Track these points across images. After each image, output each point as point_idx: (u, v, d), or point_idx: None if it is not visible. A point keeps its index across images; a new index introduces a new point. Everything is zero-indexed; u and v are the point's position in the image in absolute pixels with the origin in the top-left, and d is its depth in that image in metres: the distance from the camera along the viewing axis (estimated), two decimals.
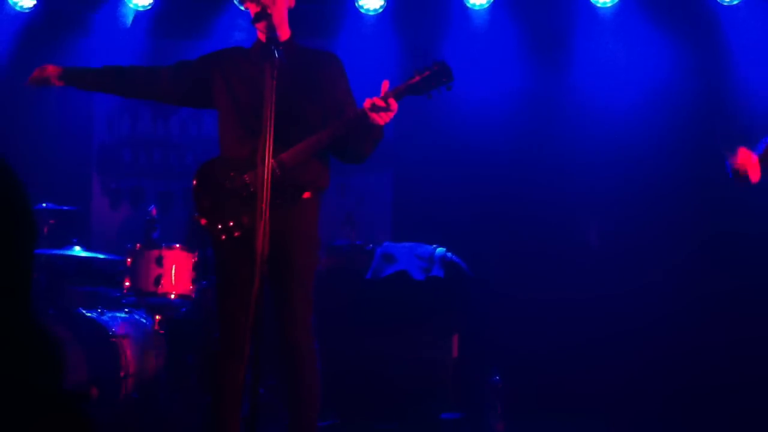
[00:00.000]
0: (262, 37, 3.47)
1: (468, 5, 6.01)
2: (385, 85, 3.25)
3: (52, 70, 3.65)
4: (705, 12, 5.86)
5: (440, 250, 5.28)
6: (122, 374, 4.77)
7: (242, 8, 3.52)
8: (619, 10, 5.94)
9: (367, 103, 3.21)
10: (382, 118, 3.22)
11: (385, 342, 5.04)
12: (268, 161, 2.93)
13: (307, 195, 3.43)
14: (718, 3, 5.81)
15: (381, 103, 3.18)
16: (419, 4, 6.14)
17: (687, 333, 5.52)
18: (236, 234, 3.35)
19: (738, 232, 5.46)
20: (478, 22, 6.08)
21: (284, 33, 3.49)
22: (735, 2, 5.77)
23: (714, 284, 5.51)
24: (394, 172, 6.38)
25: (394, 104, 3.21)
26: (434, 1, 6.09)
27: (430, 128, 6.03)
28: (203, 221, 3.42)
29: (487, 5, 6.00)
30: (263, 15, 3.29)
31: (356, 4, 6.08)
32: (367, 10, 6.10)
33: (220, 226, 3.38)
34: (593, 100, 5.97)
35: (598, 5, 5.93)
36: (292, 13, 3.56)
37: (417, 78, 3.25)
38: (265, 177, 2.92)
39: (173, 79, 3.62)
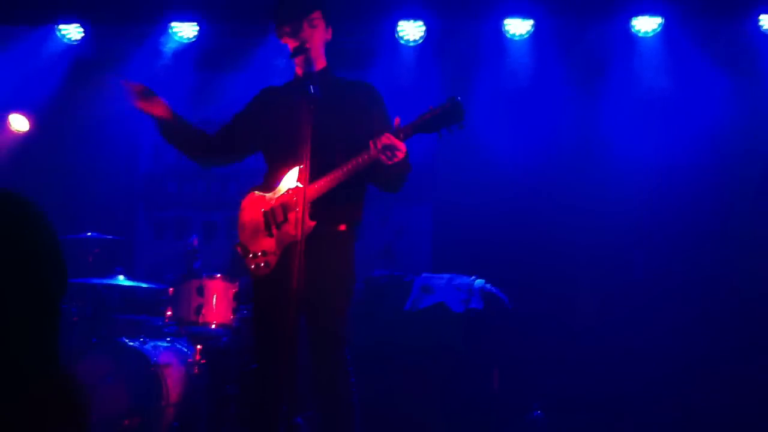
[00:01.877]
0: (299, 71, 3.51)
1: (508, 36, 6.01)
2: (396, 122, 3.25)
3: (163, 105, 3.65)
4: (751, 41, 5.78)
5: (479, 281, 5.24)
6: (163, 403, 4.80)
7: (282, 42, 3.56)
8: (661, 40, 5.88)
9: (373, 145, 3.19)
10: (389, 158, 3.20)
11: (424, 375, 5.00)
12: (304, 197, 2.95)
13: (342, 228, 3.45)
14: (763, 32, 5.72)
15: (386, 142, 3.17)
16: (459, 34, 6.15)
17: (735, 368, 5.39)
18: (264, 270, 3.39)
19: None
20: (518, 52, 6.06)
21: (320, 64, 3.53)
22: None
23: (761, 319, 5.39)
24: (433, 203, 6.38)
25: (398, 143, 3.18)
26: (474, 31, 6.09)
27: (469, 160, 6.02)
28: (239, 250, 3.49)
29: (527, 35, 5.98)
30: (301, 50, 3.34)
31: (396, 35, 6.12)
32: (407, 41, 6.13)
33: (251, 257, 3.43)
34: (635, 132, 5.91)
35: (640, 35, 5.88)
36: (332, 44, 3.59)
37: (427, 116, 3.22)
38: (301, 212, 2.94)
39: (230, 150, 3.70)
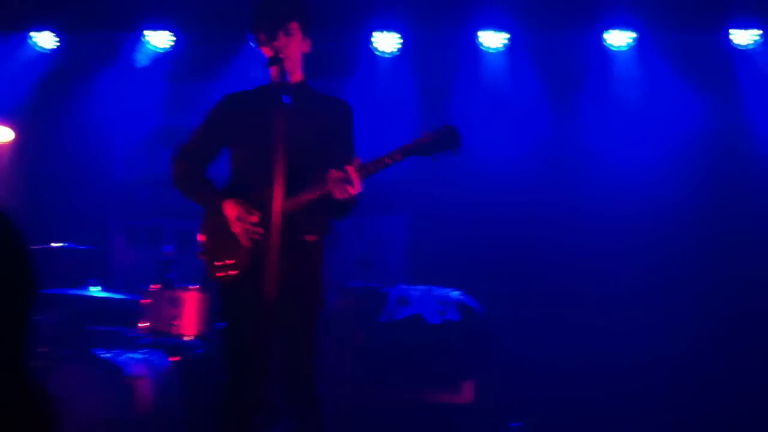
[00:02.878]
0: (274, 79, 3.48)
1: (482, 48, 6.05)
2: (357, 162, 3.24)
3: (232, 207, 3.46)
4: (722, 55, 5.86)
5: (455, 293, 5.26)
6: (137, 415, 4.75)
7: (258, 50, 3.54)
8: (635, 53, 5.95)
9: (329, 177, 3.18)
10: (340, 193, 3.19)
11: (400, 387, 4.99)
12: (277, 204, 2.94)
13: (312, 238, 3.44)
14: (733, 47, 5.81)
15: (341, 175, 3.17)
16: (434, 47, 6.18)
17: (715, 378, 5.45)
18: (232, 273, 3.37)
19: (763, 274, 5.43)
20: (494, 64, 6.11)
21: (297, 75, 3.52)
22: (751, 46, 5.77)
23: (743, 329, 5.46)
24: (409, 214, 6.39)
25: (354, 178, 3.18)
26: (449, 44, 6.13)
27: (445, 171, 6.01)
28: (203, 258, 3.46)
29: (502, 48, 6.03)
30: (276, 60, 3.32)
31: (371, 46, 6.14)
32: (383, 52, 6.15)
33: (217, 264, 3.41)
34: (609, 144, 5.98)
35: (613, 49, 5.95)
36: (309, 52, 3.58)
37: (425, 140, 3.26)
38: (274, 221, 2.93)
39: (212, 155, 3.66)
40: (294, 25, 3.45)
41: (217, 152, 3.63)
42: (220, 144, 3.61)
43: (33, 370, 1.09)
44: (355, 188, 3.22)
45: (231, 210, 3.39)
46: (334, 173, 3.20)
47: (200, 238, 3.53)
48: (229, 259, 3.41)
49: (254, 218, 3.34)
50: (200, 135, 3.62)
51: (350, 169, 3.20)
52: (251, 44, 3.54)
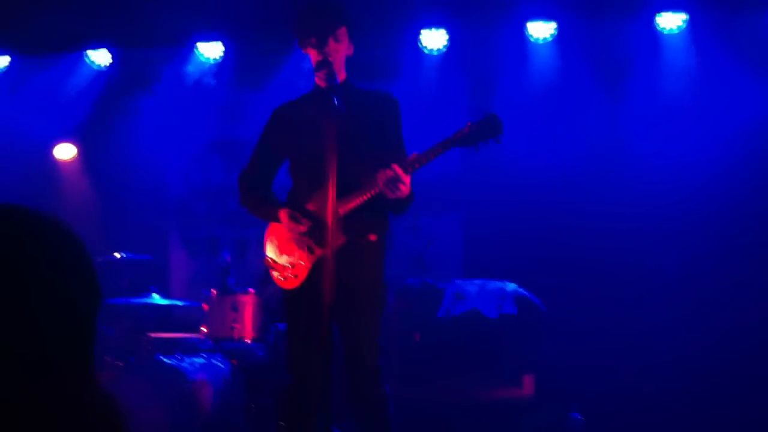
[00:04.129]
0: (321, 83, 3.51)
1: (531, 40, 5.99)
2: (413, 157, 3.27)
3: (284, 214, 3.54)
4: None
5: (511, 285, 5.22)
6: (201, 420, 4.83)
7: (303, 51, 3.58)
8: (686, 35, 5.82)
9: (380, 177, 3.21)
10: (392, 191, 3.23)
11: (459, 381, 4.98)
12: (332, 207, 2.97)
13: (372, 238, 3.46)
14: None
15: (391, 175, 3.19)
16: (482, 40, 6.14)
17: None
18: (292, 280, 3.42)
19: None
20: (542, 56, 6.04)
21: (341, 76, 3.55)
22: None
23: None
24: (463, 211, 6.38)
25: (403, 176, 3.21)
26: (497, 37, 6.08)
27: (497, 166, 6.00)
28: (269, 261, 3.52)
29: (550, 38, 5.96)
30: (325, 64, 3.36)
31: (419, 45, 6.13)
32: (431, 50, 6.14)
33: (279, 272, 3.47)
34: (662, 134, 5.86)
35: (665, 32, 5.83)
36: (356, 55, 3.61)
37: (465, 130, 3.26)
38: (329, 225, 2.96)
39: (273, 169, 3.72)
40: (342, 30, 3.48)
41: (277, 165, 3.69)
42: (278, 157, 3.66)
43: (101, 378, 1.12)
44: (406, 185, 3.22)
45: (284, 217, 3.44)
46: (382, 174, 3.22)
47: (266, 246, 3.59)
48: (290, 266, 3.45)
49: (305, 223, 3.38)
50: (257, 152, 3.70)
51: (396, 167, 3.21)
52: (298, 45, 3.57)
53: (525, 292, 5.21)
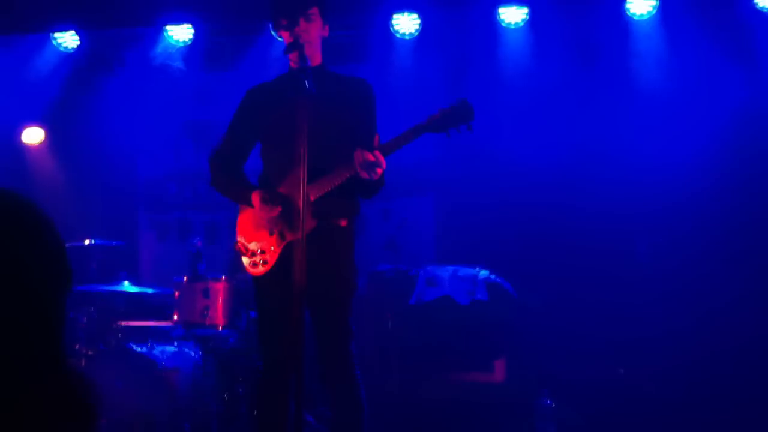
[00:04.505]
0: (293, 65, 3.48)
1: (503, 25, 5.99)
2: (376, 140, 3.28)
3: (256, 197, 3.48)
4: (746, 19, 5.74)
5: (483, 272, 5.24)
6: (173, 407, 4.80)
7: (277, 37, 3.55)
8: (657, 21, 5.85)
9: (356, 159, 3.21)
10: (368, 174, 3.23)
11: (432, 367, 5.00)
12: (303, 191, 2.95)
13: (342, 223, 3.44)
14: (758, 9, 5.69)
15: (371, 158, 3.20)
16: (454, 25, 6.12)
17: (746, 352, 5.38)
18: (263, 263, 3.40)
19: None
20: (514, 41, 6.05)
21: (316, 60, 3.52)
22: None
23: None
24: (435, 195, 6.38)
25: (382, 159, 3.22)
26: (469, 21, 6.07)
27: (469, 151, 6.01)
28: (239, 247, 3.49)
29: (522, 24, 5.97)
30: (295, 45, 3.32)
31: (391, 29, 6.10)
32: (403, 34, 6.11)
33: (249, 256, 3.44)
34: (635, 120, 5.89)
35: (635, 18, 5.86)
36: (327, 38, 3.58)
37: (437, 116, 3.26)
38: (301, 208, 2.94)
39: (245, 151, 3.68)
40: (314, 10, 3.45)
41: (249, 147, 3.66)
42: (250, 139, 3.63)
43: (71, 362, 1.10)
44: (382, 167, 3.23)
45: (256, 200, 3.41)
46: (359, 155, 3.21)
47: (237, 232, 3.56)
48: (260, 250, 3.43)
49: (276, 205, 3.36)
50: (230, 133, 3.66)
51: (377, 152, 3.23)
52: (271, 31, 3.54)
53: (497, 279, 5.23)
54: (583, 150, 5.95)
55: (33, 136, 6.71)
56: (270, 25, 5.77)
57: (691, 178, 5.72)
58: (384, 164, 3.24)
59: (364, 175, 3.24)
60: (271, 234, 3.42)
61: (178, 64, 6.42)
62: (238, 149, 3.65)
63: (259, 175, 3.61)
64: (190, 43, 6.33)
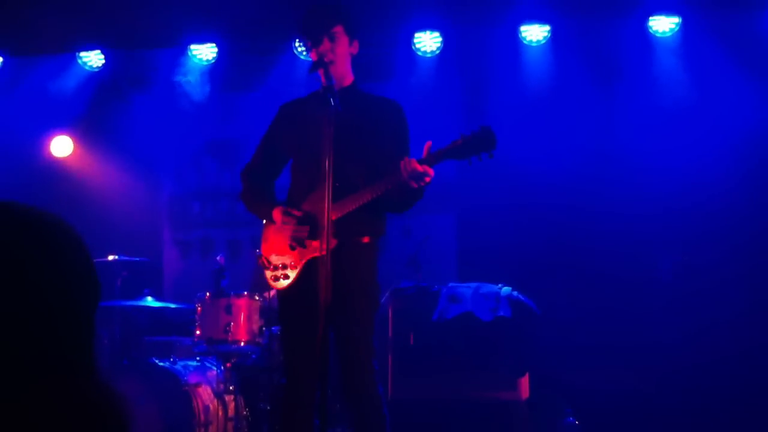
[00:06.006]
0: (323, 83, 3.50)
1: (525, 42, 6.00)
2: (427, 147, 3.24)
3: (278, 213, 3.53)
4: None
5: (506, 289, 5.22)
6: (195, 422, 4.81)
7: (308, 55, 3.58)
8: (679, 38, 5.84)
9: (404, 168, 3.17)
10: (418, 183, 3.20)
11: (454, 385, 4.97)
12: (328, 210, 2.96)
13: (365, 240, 3.45)
14: None
15: (419, 169, 3.17)
16: (476, 43, 6.15)
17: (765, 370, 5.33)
18: (285, 279, 3.41)
19: None
20: (536, 58, 6.05)
21: (347, 79, 3.54)
22: None
23: None
24: (457, 213, 6.38)
25: (430, 170, 3.20)
26: (491, 39, 6.09)
27: (491, 168, 5.98)
28: (263, 262, 3.51)
29: (544, 41, 5.98)
30: (320, 63, 3.35)
31: (413, 47, 6.13)
32: (424, 52, 6.14)
33: (272, 271, 3.46)
34: (657, 136, 5.88)
35: (657, 35, 5.85)
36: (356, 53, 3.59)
37: (459, 143, 3.22)
38: (326, 227, 2.95)
39: (276, 167, 3.70)
40: (338, 29, 3.47)
41: (280, 162, 3.67)
42: (280, 154, 3.65)
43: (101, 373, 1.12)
44: (430, 176, 3.21)
45: (277, 216, 3.44)
46: (407, 164, 3.18)
47: (262, 246, 3.59)
48: (282, 264, 3.45)
49: (295, 221, 3.37)
50: (261, 148, 3.69)
51: (426, 166, 3.20)
52: (298, 51, 3.57)
53: (519, 296, 5.21)
54: (606, 169, 5.94)
55: (61, 146, 6.79)
56: (294, 44, 5.83)
57: (712, 195, 5.70)
58: (432, 173, 3.21)
59: (413, 184, 3.21)
60: (292, 249, 3.44)
61: (197, 83, 6.49)
62: (268, 164, 3.67)
63: (288, 191, 3.63)
64: (213, 62, 6.39)
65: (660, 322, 5.53)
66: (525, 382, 5.00)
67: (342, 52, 3.49)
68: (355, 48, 3.55)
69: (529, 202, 5.97)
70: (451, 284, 5.38)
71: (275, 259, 3.49)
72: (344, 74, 3.51)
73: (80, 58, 6.46)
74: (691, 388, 5.35)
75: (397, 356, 5.08)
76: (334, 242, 3.25)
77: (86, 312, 1.09)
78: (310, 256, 3.38)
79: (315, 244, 3.35)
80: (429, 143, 3.26)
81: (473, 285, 5.28)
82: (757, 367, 5.35)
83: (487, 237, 6.06)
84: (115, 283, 5.53)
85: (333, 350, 3.38)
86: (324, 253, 2.95)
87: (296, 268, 3.42)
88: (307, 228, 3.39)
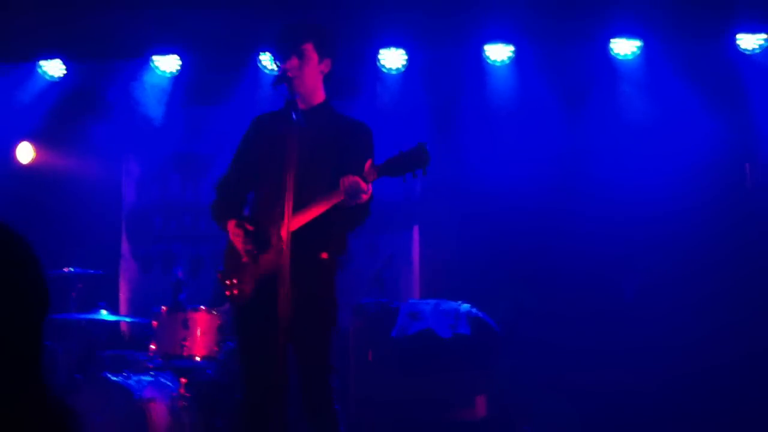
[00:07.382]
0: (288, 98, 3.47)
1: (489, 62, 6.05)
2: (368, 165, 3.22)
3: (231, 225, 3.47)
4: (729, 61, 5.84)
5: (465, 306, 5.23)
6: None
7: (270, 72, 3.56)
8: (641, 62, 5.94)
9: (342, 183, 3.16)
10: (350, 199, 3.18)
11: (412, 402, 4.96)
12: (288, 223, 2.94)
13: (323, 256, 3.42)
14: (740, 52, 5.79)
15: (355, 186, 3.14)
16: (441, 61, 6.18)
17: (728, 389, 5.39)
18: (238, 292, 3.38)
19: None
20: (500, 78, 6.11)
21: (317, 97, 3.52)
22: (758, 51, 5.75)
23: (756, 340, 5.41)
24: (420, 229, 6.38)
25: (363, 185, 3.16)
26: (456, 58, 6.13)
27: (455, 185, 6.04)
28: (220, 276, 3.47)
29: (508, 61, 6.03)
30: (282, 78, 3.33)
31: (378, 64, 6.15)
32: (389, 69, 6.16)
33: (227, 283, 3.43)
34: (619, 154, 5.96)
35: (619, 58, 5.94)
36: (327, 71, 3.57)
37: (393, 161, 3.20)
38: (285, 243, 2.93)
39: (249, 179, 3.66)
40: (308, 46, 3.45)
41: (253, 176, 3.60)
42: (252, 167, 3.60)
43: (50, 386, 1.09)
44: (366, 193, 3.19)
45: (231, 228, 3.41)
46: (344, 180, 3.18)
47: (223, 261, 3.55)
48: (237, 278, 3.41)
49: (245, 233, 3.34)
50: (234, 161, 3.66)
51: (355, 177, 3.18)
52: (263, 65, 3.55)
53: (479, 313, 5.23)
54: (568, 186, 5.99)
55: (25, 153, 6.67)
56: (258, 58, 5.80)
57: (674, 212, 5.79)
58: (369, 190, 3.20)
59: (348, 199, 3.20)
60: (246, 263, 3.41)
61: (156, 98, 6.43)
62: (240, 176, 3.64)
63: (250, 206, 3.60)
64: (177, 74, 6.34)
65: (623, 340, 5.57)
66: (483, 399, 5.00)
67: (310, 70, 3.47)
68: (325, 66, 3.52)
69: (493, 220, 6.00)
70: (411, 300, 5.39)
71: (231, 274, 3.46)
72: (313, 92, 3.50)
73: (40, 67, 6.36)
74: (654, 406, 5.40)
75: (356, 373, 5.05)
76: (288, 257, 3.21)
77: (33, 323, 1.06)
78: (262, 270, 3.35)
79: (267, 257, 3.33)
80: (370, 161, 3.26)
81: (432, 302, 5.29)
82: (720, 389, 5.41)
83: (450, 254, 6.08)
84: (69, 295, 5.43)
85: (291, 365, 3.34)
86: (277, 268, 2.92)
87: (250, 283, 3.39)
88: (250, 241, 3.35)
